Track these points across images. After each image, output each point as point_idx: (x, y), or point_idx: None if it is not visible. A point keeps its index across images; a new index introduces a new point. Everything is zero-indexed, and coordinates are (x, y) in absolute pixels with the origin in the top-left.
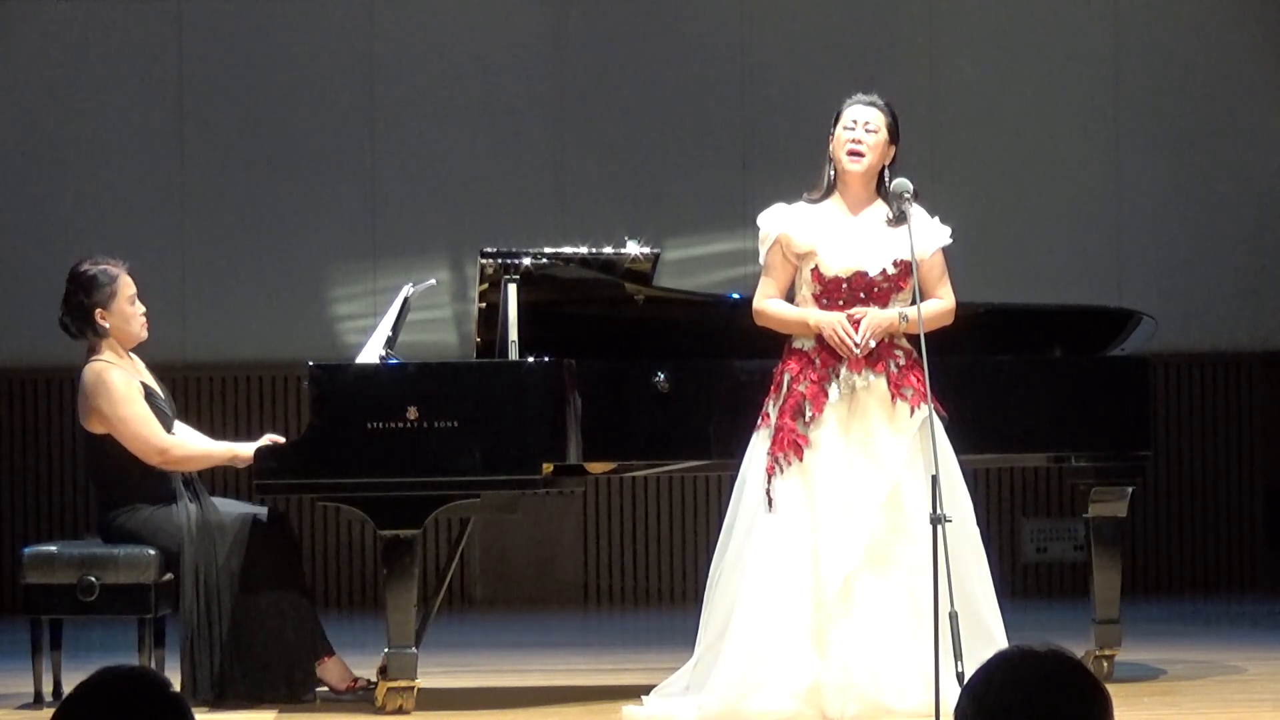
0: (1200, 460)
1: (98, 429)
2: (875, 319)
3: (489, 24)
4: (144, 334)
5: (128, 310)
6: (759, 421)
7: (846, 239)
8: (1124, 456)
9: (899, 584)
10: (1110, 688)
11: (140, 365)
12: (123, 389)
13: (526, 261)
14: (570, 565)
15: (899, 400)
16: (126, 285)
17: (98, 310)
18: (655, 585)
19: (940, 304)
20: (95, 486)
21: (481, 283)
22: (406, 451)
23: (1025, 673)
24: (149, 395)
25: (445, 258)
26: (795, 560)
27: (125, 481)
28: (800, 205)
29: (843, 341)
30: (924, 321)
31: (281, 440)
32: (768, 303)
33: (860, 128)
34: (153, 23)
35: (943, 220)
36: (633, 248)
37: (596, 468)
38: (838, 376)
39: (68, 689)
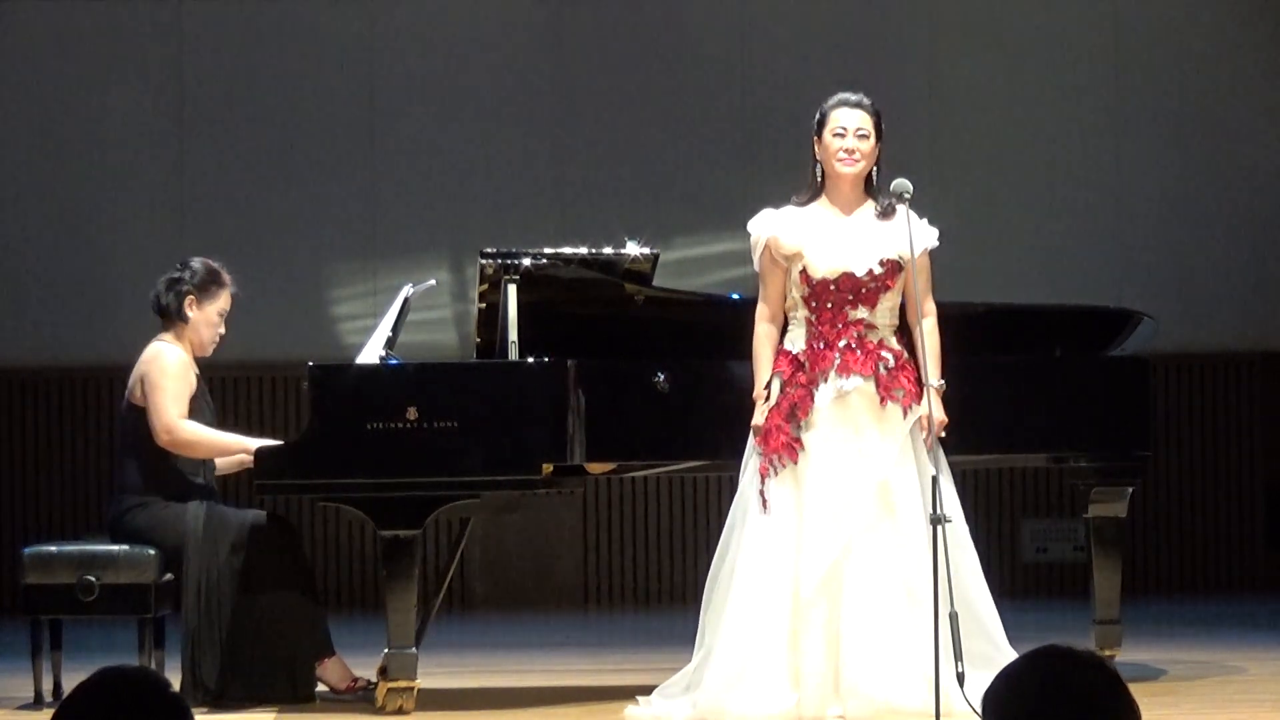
0: (1200, 460)
1: (142, 400)
2: (939, 425)
3: (489, 24)
4: (209, 350)
5: (213, 317)
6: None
7: (833, 240)
8: (1124, 456)
9: (893, 581)
10: None
11: (195, 371)
12: (176, 367)
13: (526, 262)
14: (570, 565)
15: (889, 402)
16: (225, 298)
17: (190, 297)
18: (655, 585)
19: (933, 333)
20: (120, 467)
21: (481, 283)
22: (406, 452)
23: (1063, 673)
24: (200, 393)
25: (445, 258)
26: (781, 561)
27: (150, 467)
28: (788, 209)
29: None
30: (931, 357)
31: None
32: (758, 331)
33: (852, 135)
34: (153, 23)
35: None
36: (632, 248)
37: (596, 468)
38: (825, 380)
39: (68, 689)
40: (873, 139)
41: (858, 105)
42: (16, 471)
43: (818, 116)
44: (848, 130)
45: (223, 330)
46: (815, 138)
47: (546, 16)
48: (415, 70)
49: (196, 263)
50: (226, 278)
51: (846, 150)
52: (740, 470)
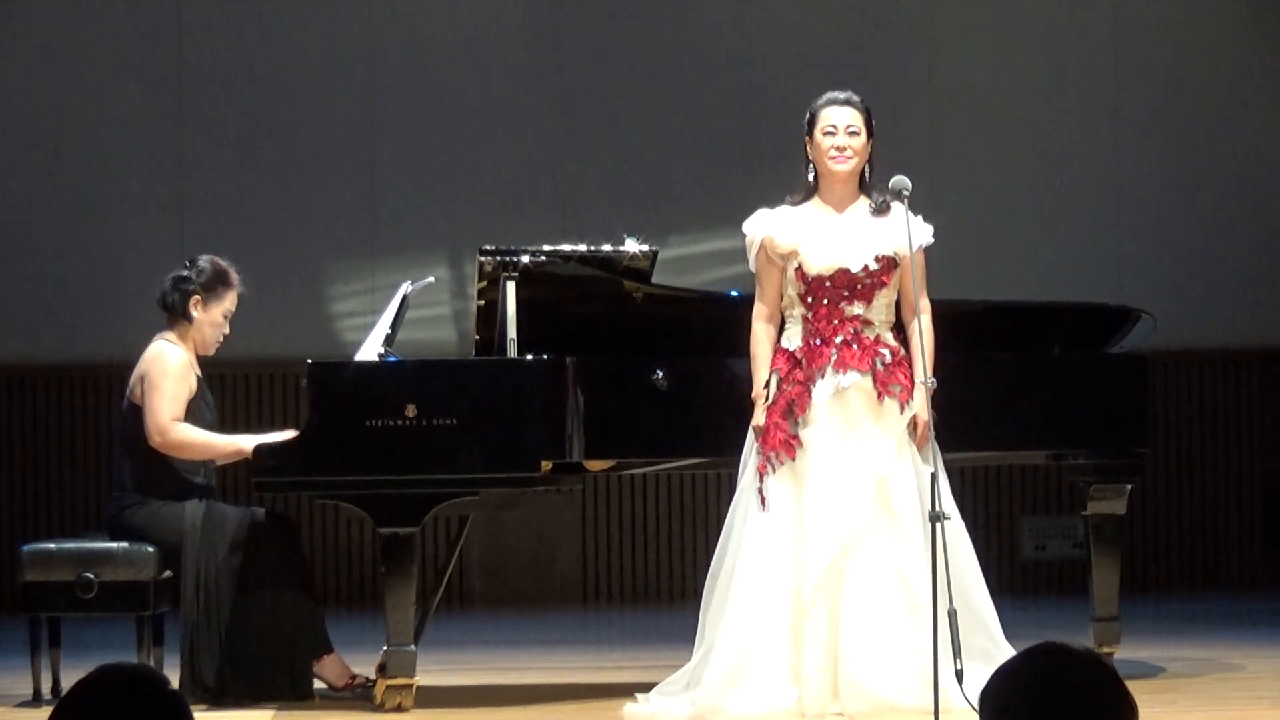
0: (1200, 458)
1: (141, 399)
2: (924, 425)
3: (488, 23)
4: (212, 351)
5: (217, 318)
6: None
7: (828, 237)
8: (1123, 454)
9: (891, 577)
10: None
11: (197, 372)
12: (177, 369)
13: (525, 259)
14: (569, 563)
15: (886, 398)
16: (231, 299)
17: (196, 298)
18: (654, 583)
19: (927, 330)
20: (119, 465)
21: (480, 280)
22: (405, 449)
23: (1061, 670)
24: (199, 394)
25: (444, 255)
26: (781, 559)
27: (148, 466)
28: (782, 208)
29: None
30: (927, 356)
31: (294, 434)
32: (756, 331)
33: (842, 132)
34: (153, 23)
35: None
36: (631, 245)
37: (595, 465)
38: (822, 377)
39: (66, 687)
40: (864, 135)
41: (846, 103)
42: (16, 470)
43: (807, 116)
44: (838, 128)
45: (227, 330)
46: (806, 137)
47: (545, 16)
48: (415, 69)
49: (204, 261)
50: (234, 278)
51: (838, 148)
52: (739, 469)
